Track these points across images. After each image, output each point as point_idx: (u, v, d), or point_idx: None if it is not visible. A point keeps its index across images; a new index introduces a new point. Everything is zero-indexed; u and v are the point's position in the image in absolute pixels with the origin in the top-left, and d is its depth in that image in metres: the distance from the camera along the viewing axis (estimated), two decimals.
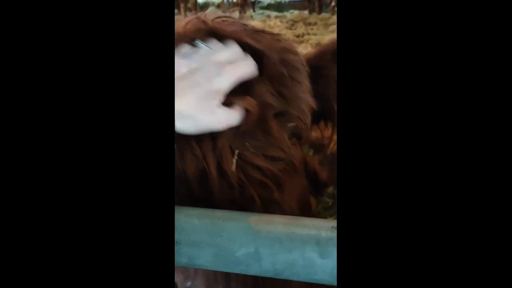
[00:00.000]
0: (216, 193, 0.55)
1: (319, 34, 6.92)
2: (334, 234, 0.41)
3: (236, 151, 0.55)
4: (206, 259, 0.44)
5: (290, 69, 0.61)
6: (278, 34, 0.67)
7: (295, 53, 0.65)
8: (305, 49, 5.58)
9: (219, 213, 0.46)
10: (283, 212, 0.59)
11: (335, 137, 0.82)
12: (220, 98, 0.55)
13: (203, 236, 0.44)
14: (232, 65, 0.57)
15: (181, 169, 0.55)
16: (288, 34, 6.75)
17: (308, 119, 0.64)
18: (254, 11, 11.15)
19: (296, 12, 10.34)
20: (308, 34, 6.96)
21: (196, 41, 0.59)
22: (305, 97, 0.63)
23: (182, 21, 0.64)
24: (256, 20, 8.76)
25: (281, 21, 8.45)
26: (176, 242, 0.44)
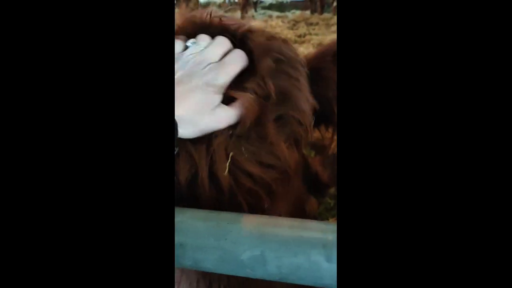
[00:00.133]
0: (204, 197, 0.54)
1: (321, 34, 6.93)
2: None
3: (231, 153, 0.54)
4: (211, 262, 0.43)
5: (288, 69, 0.60)
6: (275, 34, 0.66)
7: (294, 53, 0.64)
8: (306, 49, 5.59)
9: (224, 215, 0.45)
10: None
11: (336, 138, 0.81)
12: (219, 96, 0.54)
13: (208, 239, 0.43)
14: (226, 59, 0.56)
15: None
16: (289, 34, 6.77)
17: (308, 121, 0.62)
18: (255, 11, 11.16)
19: (298, 12, 10.36)
20: (310, 34, 6.98)
21: (188, 43, 0.60)
22: (304, 97, 0.61)
23: (178, 18, 0.64)
24: (257, 20, 8.77)
25: (282, 21, 8.46)
26: (181, 244, 0.43)
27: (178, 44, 0.60)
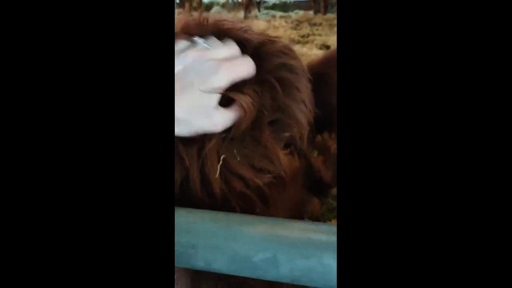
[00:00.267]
0: (196, 200, 0.53)
1: (324, 34, 6.91)
2: None
3: (222, 156, 0.53)
4: (222, 263, 0.43)
5: (288, 75, 0.59)
6: (277, 38, 0.65)
7: (295, 58, 0.63)
8: (310, 50, 5.58)
9: (236, 217, 0.46)
10: None
11: None
12: (216, 97, 0.53)
13: (219, 240, 0.43)
14: (230, 62, 0.55)
15: None
16: (293, 35, 6.76)
17: (304, 130, 0.61)
18: (259, 11, 11.15)
19: (301, 12, 10.34)
20: (313, 34, 6.96)
21: (195, 38, 0.58)
22: (302, 105, 0.60)
23: (183, 18, 0.63)
24: (261, 20, 8.77)
25: (286, 21, 8.45)
26: (193, 246, 0.44)
27: (183, 41, 0.58)
